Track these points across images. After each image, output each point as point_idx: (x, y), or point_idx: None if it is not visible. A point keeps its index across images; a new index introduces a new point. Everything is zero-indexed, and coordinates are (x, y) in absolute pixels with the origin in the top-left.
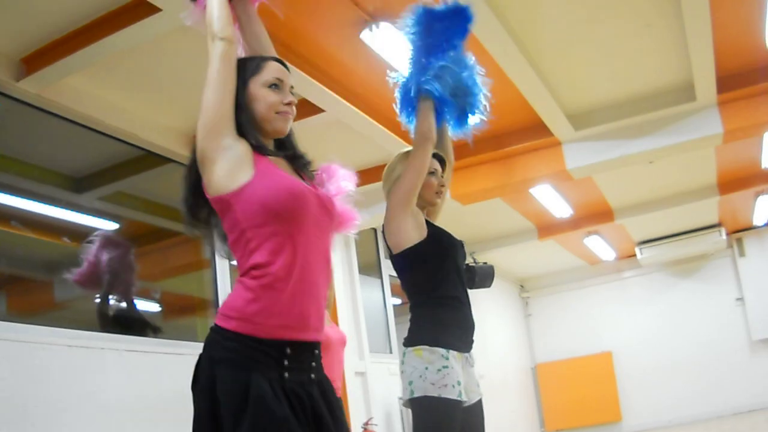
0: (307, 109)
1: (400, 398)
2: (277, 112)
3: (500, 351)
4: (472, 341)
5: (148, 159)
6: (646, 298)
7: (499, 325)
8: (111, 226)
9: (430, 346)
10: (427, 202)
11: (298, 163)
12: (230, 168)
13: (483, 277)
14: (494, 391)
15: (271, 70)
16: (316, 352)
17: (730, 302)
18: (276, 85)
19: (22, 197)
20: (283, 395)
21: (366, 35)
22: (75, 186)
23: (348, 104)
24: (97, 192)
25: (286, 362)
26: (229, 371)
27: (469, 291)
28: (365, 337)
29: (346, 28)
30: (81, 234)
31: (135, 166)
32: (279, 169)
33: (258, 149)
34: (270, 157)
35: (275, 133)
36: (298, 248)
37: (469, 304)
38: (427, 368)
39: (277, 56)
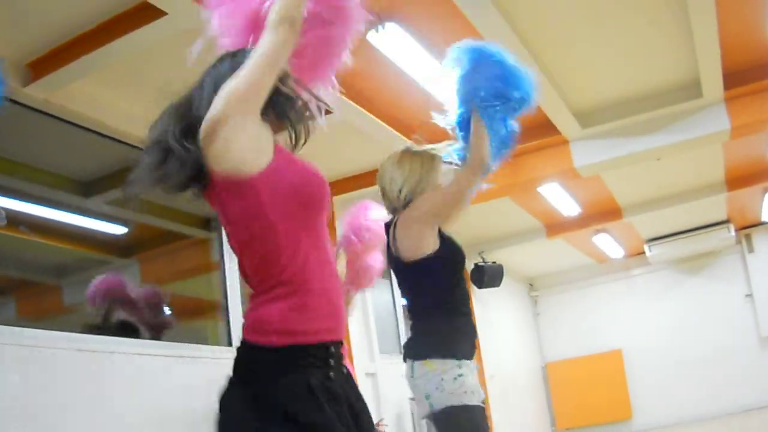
0: None
1: (411, 398)
2: None
3: (510, 350)
4: (474, 348)
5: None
6: (656, 296)
7: (508, 324)
8: (119, 229)
9: (443, 358)
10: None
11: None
12: (258, 142)
13: (492, 276)
14: (504, 391)
15: None
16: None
17: (740, 299)
18: None
19: (30, 202)
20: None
21: (372, 36)
22: (83, 190)
23: (354, 105)
24: (105, 196)
25: (332, 362)
26: (284, 376)
27: (478, 290)
28: (375, 338)
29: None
30: (89, 238)
31: None
32: (292, 154)
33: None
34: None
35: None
36: (321, 241)
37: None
38: (442, 379)
39: None
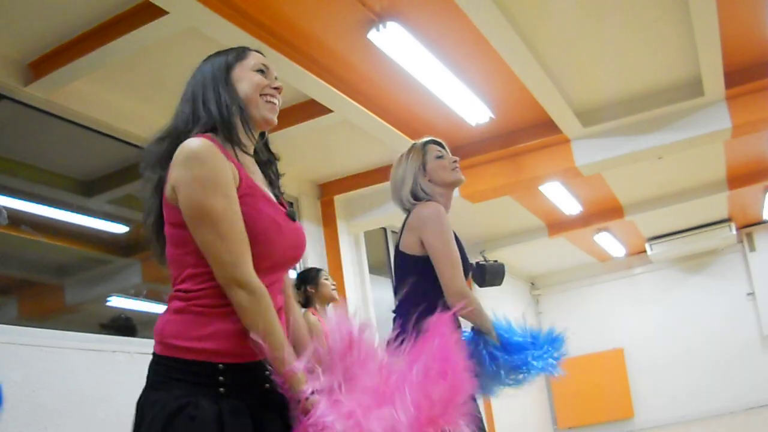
0: (315, 109)
1: None
2: (262, 94)
3: None
4: None
5: None
6: (657, 294)
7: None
8: (120, 229)
9: None
10: (449, 184)
11: (270, 170)
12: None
13: (493, 275)
14: (506, 390)
15: (256, 57)
16: (267, 372)
17: (741, 297)
18: (262, 71)
19: (31, 202)
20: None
21: (373, 35)
22: (84, 190)
23: (356, 104)
24: (106, 195)
25: (221, 378)
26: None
27: (480, 289)
28: (376, 336)
29: (353, 28)
30: (91, 237)
31: None
32: (259, 190)
33: (237, 145)
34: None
35: (264, 122)
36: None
37: None
38: None
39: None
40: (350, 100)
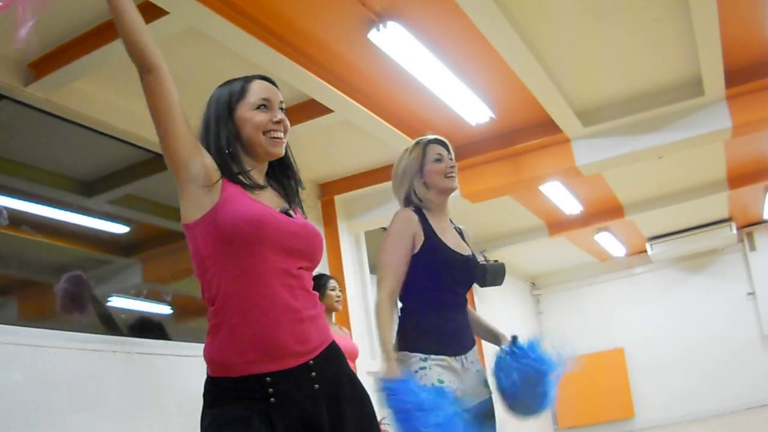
0: (315, 109)
1: None
2: (265, 132)
3: None
4: (466, 345)
5: (158, 162)
6: (658, 294)
7: (510, 322)
8: (121, 229)
9: (409, 350)
10: (441, 190)
11: (289, 189)
12: (196, 197)
13: (494, 275)
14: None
15: (258, 91)
16: (312, 373)
17: (742, 297)
18: (264, 105)
19: (31, 202)
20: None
21: (374, 35)
22: (84, 190)
23: (356, 104)
24: (106, 195)
25: (270, 390)
26: (211, 409)
27: (481, 289)
28: (377, 336)
29: (353, 28)
30: (91, 238)
31: (144, 169)
32: (246, 195)
33: (241, 184)
34: (254, 190)
35: (269, 156)
36: (258, 278)
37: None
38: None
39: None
40: (350, 99)
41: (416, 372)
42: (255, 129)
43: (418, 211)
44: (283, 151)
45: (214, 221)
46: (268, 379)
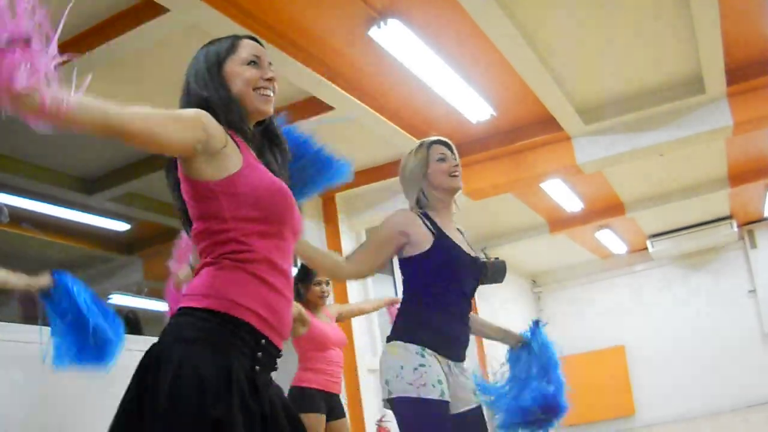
0: (316, 107)
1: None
2: (255, 88)
3: None
4: (459, 356)
5: (158, 159)
6: (659, 292)
7: (511, 320)
8: (122, 226)
9: (405, 342)
10: (445, 189)
11: (276, 152)
12: (216, 159)
13: (495, 272)
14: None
15: (247, 48)
16: (278, 360)
17: (743, 294)
18: (254, 62)
19: (33, 199)
20: (253, 390)
21: (374, 32)
22: (86, 188)
23: (357, 101)
24: (107, 193)
25: (259, 355)
26: (208, 352)
27: (481, 286)
28: (378, 334)
29: (354, 25)
30: (92, 235)
31: (145, 167)
32: (260, 164)
33: (240, 132)
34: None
35: (258, 113)
36: (279, 251)
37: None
38: (402, 367)
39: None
40: (351, 97)
41: (416, 369)
42: (245, 83)
43: (425, 214)
44: (272, 110)
45: (246, 187)
46: (263, 342)
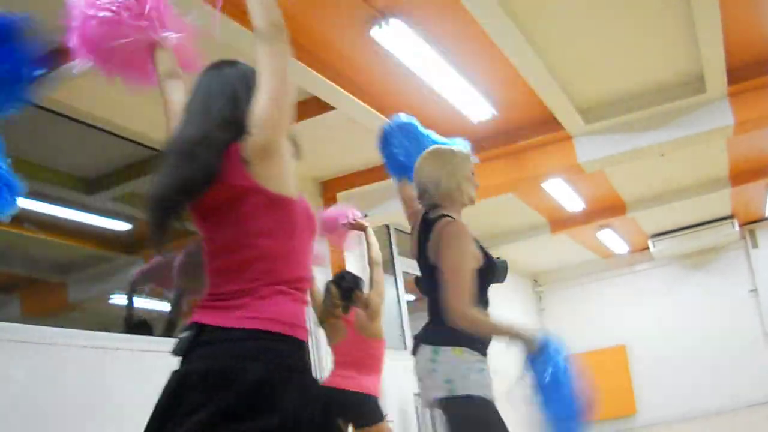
0: (317, 106)
1: (417, 394)
2: None
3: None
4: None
5: (160, 159)
6: (660, 291)
7: (512, 320)
8: (123, 226)
9: (471, 349)
10: (470, 201)
11: None
12: (285, 168)
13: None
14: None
15: None
16: None
17: (744, 294)
18: None
19: (34, 199)
20: None
21: (375, 32)
22: (87, 187)
23: (358, 101)
24: (109, 193)
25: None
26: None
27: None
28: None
29: (355, 25)
30: (94, 235)
31: (147, 167)
32: None
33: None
34: None
35: None
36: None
37: None
38: (469, 368)
39: None
40: (353, 97)
41: (481, 371)
42: None
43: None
44: None
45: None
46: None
